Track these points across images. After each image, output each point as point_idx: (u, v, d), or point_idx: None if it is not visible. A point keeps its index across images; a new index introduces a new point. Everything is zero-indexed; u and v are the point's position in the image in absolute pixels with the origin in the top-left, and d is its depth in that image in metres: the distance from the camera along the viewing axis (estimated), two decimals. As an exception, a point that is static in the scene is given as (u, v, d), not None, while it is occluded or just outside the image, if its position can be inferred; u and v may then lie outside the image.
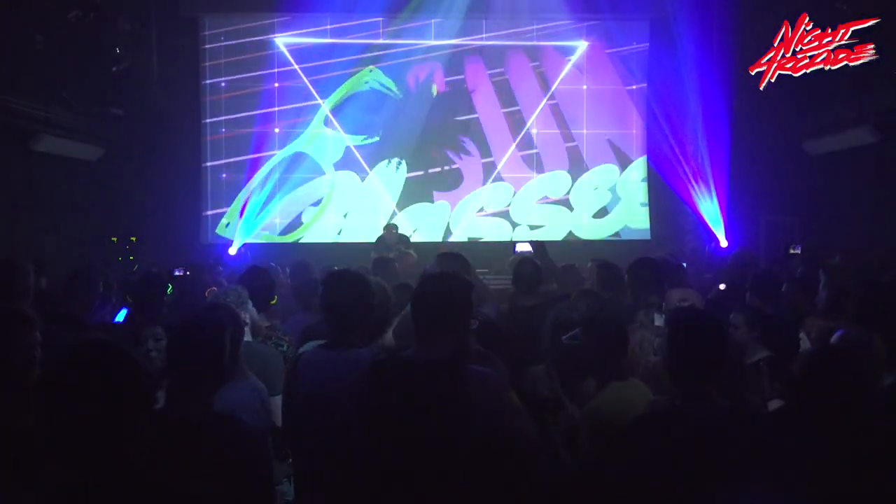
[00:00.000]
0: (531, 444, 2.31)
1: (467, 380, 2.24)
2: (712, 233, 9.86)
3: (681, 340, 2.22)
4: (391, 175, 10.21)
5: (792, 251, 5.33)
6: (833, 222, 8.50)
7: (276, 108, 10.05)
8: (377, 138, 10.09)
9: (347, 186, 10.16)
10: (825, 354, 2.30)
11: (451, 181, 10.31)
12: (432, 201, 10.28)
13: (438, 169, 10.29)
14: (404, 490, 2.16)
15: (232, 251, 9.55)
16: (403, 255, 7.46)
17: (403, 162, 10.18)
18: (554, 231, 10.14)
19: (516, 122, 10.39)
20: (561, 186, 10.41)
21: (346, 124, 10.04)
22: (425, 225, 10.19)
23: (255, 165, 10.01)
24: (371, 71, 10.04)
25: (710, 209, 9.87)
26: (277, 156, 10.05)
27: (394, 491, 2.18)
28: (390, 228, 8.62)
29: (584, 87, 10.39)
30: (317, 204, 10.13)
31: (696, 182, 9.92)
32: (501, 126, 10.37)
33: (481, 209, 10.31)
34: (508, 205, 10.34)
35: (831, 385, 2.16)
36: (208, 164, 10.08)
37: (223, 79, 10.01)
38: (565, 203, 10.40)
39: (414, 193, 10.26)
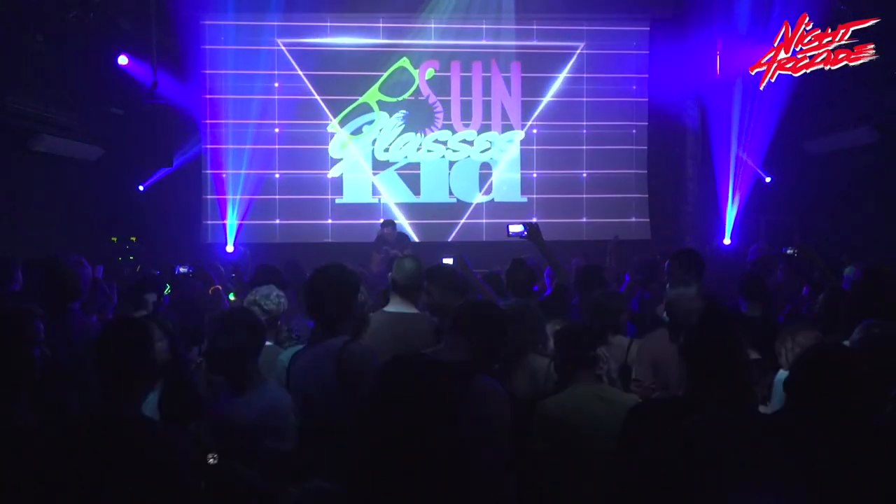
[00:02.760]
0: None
1: (477, 387, 2.29)
2: (716, 231, 9.84)
3: (695, 335, 2.30)
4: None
5: (789, 251, 5.32)
6: (833, 222, 8.50)
7: (276, 108, 10.06)
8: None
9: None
10: (824, 354, 2.29)
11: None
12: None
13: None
14: (396, 487, 2.16)
15: (229, 249, 9.55)
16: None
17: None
18: (553, 229, 10.14)
19: (516, 122, 10.39)
20: (559, 185, 10.42)
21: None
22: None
23: (255, 165, 10.01)
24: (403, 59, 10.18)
25: (728, 208, 9.87)
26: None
27: (387, 488, 2.17)
28: (388, 226, 8.54)
29: (584, 87, 10.39)
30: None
31: (712, 181, 9.91)
32: (500, 124, 10.37)
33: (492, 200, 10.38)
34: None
35: (828, 386, 2.15)
36: (208, 162, 10.07)
37: (223, 77, 10.01)
38: (565, 202, 10.40)
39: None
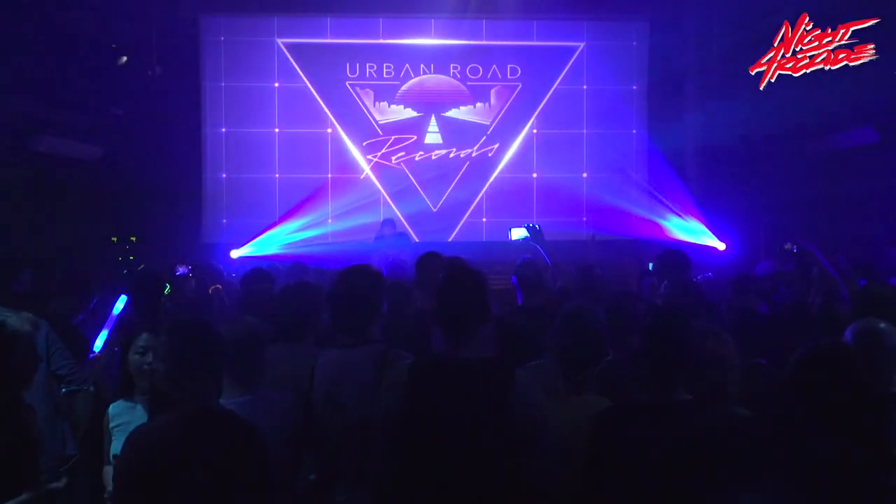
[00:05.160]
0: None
1: (519, 379, 2.21)
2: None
3: (649, 338, 2.26)
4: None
5: (787, 247, 5.29)
6: (833, 222, 8.48)
7: (276, 108, 10.06)
8: None
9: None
10: (823, 353, 2.28)
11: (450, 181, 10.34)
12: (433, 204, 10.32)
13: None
14: (445, 488, 2.14)
15: (234, 254, 9.49)
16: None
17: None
18: (553, 229, 10.13)
19: (515, 122, 10.39)
20: (559, 185, 10.41)
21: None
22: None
23: (255, 166, 10.01)
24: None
25: (682, 226, 9.83)
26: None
27: (436, 489, 2.16)
28: (388, 225, 8.56)
29: (584, 87, 10.39)
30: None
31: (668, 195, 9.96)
32: (500, 124, 10.37)
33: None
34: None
35: (828, 385, 2.15)
36: (207, 163, 10.07)
37: (223, 78, 10.01)
38: (565, 202, 10.40)
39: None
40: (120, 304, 4.11)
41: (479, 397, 2.15)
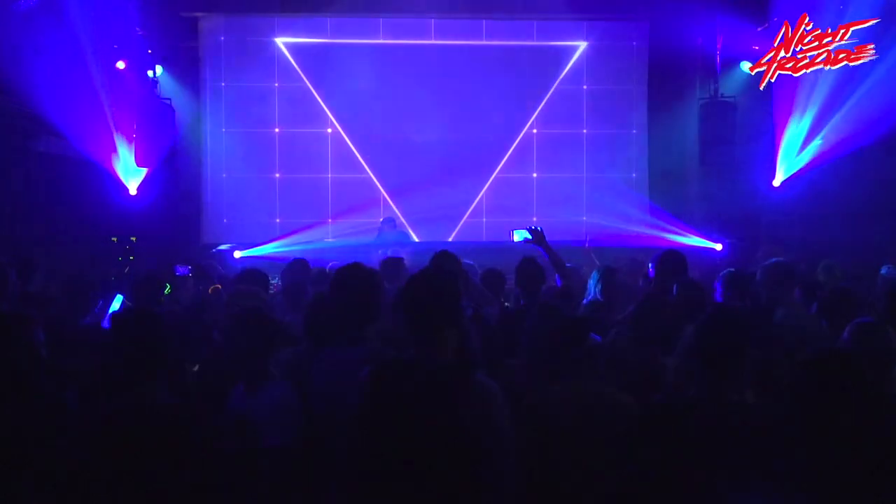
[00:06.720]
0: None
1: (475, 389, 2.18)
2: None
3: (709, 333, 2.26)
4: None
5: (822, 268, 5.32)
6: (833, 222, 8.49)
7: (276, 108, 10.06)
8: None
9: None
10: (825, 356, 2.29)
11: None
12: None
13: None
14: (396, 494, 2.14)
15: (237, 254, 9.46)
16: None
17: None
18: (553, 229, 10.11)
19: (516, 123, 10.38)
20: (560, 185, 10.40)
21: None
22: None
23: (255, 166, 10.01)
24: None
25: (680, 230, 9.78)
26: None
27: (386, 494, 2.15)
28: (388, 224, 8.55)
29: (585, 87, 10.39)
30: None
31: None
32: (500, 124, 10.36)
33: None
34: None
35: (833, 388, 2.16)
36: (207, 163, 10.07)
37: (223, 78, 10.01)
38: (565, 202, 10.39)
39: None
40: (116, 304, 4.11)
41: (430, 402, 2.14)
